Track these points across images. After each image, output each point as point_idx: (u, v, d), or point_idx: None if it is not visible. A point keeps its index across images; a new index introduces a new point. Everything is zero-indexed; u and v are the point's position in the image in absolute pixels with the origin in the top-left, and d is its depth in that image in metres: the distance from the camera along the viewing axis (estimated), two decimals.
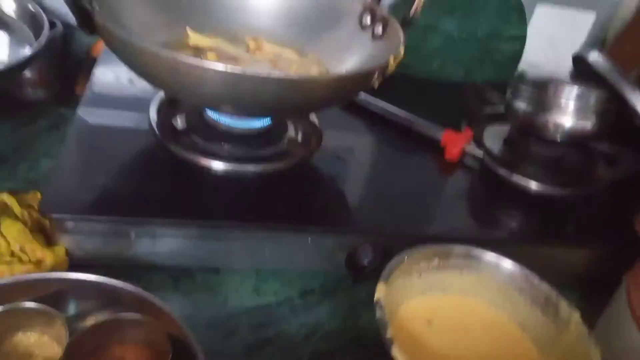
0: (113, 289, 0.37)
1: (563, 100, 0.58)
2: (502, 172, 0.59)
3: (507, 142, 0.65)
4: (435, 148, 0.61)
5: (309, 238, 0.47)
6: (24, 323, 0.36)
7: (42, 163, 0.55)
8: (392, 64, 0.48)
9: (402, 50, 0.49)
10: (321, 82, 0.46)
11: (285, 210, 0.48)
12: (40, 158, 0.56)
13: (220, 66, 0.41)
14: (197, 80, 0.42)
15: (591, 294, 0.49)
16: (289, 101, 0.45)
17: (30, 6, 0.64)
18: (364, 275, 0.47)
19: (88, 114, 0.53)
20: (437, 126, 0.62)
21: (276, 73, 0.50)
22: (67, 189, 0.45)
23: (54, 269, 0.43)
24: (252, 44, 0.58)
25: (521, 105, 0.61)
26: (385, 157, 0.60)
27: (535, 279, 0.47)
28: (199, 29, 0.57)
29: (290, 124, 0.57)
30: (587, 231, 0.57)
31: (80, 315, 0.38)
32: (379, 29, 0.56)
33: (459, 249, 0.49)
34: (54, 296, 0.37)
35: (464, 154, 0.61)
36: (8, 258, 0.43)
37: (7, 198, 0.46)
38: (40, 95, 0.64)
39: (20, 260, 0.43)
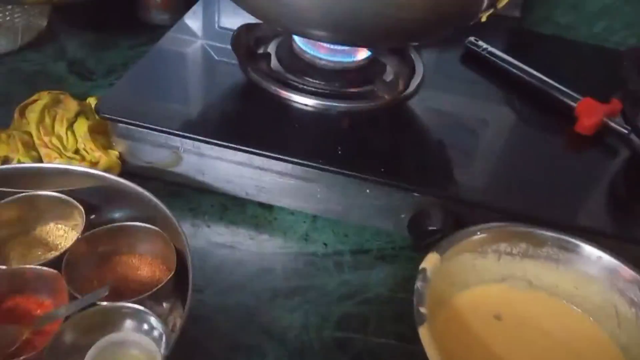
0: (125, 189, 0.35)
1: None
2: None
3: None
4: (570, 119, 0.50)
5: (367, 189, 0.41)
6: (44, 209, 0.36)
7: None
8: None
9: None
10: None
11: (346, 153, 0.42)
12: None
13: None
14: None
15: None
16: (381, 20, 0.40)
17: None
18: (427, 243, 0.40)
19: (174, 39, 0.53)
20: (574, 93, 0.50)
21: None
22: (127, 95, 0.44)
23: (106, 171, 0.43)
24: None
25: None
26: (498, 119, 0.50)
27: None
28: None
29: (390, 65, 0.50)
30: None
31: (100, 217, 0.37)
32: None
33: (554, 236, 0.38)
34: (80, 192, 0.37)
35: (604, 129, 0.48)
36: (70, 154, 0.44)
37: (68, 99, 0.47)
38: (164, 19, 0.65)
39: (82, 159, 0.44)
